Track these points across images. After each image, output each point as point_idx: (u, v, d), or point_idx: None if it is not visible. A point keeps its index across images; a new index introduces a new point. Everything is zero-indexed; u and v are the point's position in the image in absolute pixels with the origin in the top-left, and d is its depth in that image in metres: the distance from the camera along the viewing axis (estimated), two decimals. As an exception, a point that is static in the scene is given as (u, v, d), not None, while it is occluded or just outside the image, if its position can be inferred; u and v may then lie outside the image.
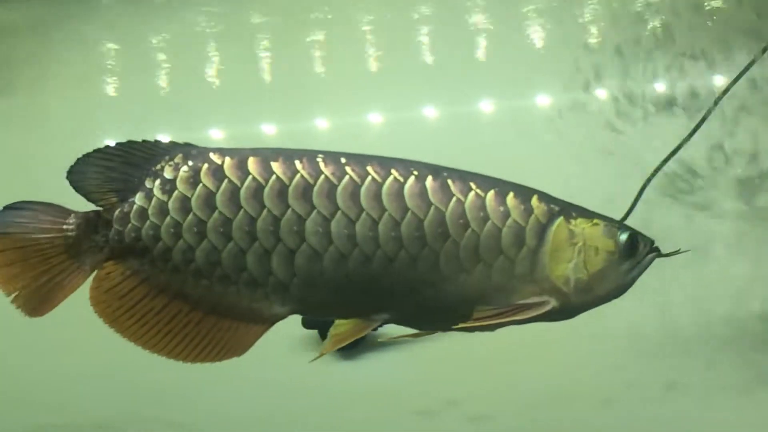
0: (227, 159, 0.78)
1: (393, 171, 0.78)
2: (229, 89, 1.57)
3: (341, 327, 0.82)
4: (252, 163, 0.77)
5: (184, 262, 0.77)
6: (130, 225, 0.78)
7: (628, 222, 1.20)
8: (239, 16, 1.53)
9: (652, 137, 1.34)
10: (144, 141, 0.81)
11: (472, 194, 0.78)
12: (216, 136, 1.55)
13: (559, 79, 1.42)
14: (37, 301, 0.78)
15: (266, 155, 0.78)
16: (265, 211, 0.76)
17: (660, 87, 1.37)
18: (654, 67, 1.38)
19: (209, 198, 0.77)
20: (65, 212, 0.79)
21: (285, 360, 1.41)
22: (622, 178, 1.32)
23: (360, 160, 0.79)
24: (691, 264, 1.27)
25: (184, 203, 0.77)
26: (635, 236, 0.82)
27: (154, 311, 0.78)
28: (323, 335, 1.37)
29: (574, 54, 1.41)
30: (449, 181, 0.78)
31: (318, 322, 1.37)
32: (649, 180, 1.26)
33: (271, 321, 0.82)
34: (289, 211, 0.76)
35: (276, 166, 0.77)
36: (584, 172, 1.36)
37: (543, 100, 1.42)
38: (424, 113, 1.47)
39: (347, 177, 0.77)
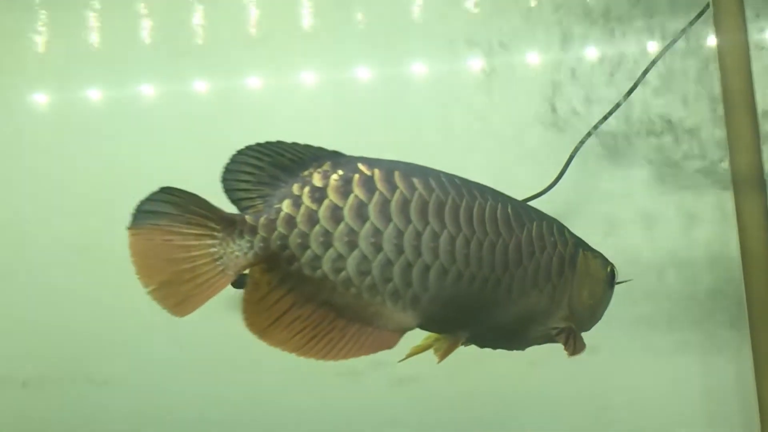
0: (376, 171, 0.79)
1: (476, 193, 0.83)
2: (161, 46, 1.47)
3: (429, 339, 0.86)
4: (397, 177, 0.80)
5: (334, 270, 0.77)
6: (276, 232, 0.77)
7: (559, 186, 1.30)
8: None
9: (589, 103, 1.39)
10: (294, 143, 0.81)
11: (535, 224, 0.86)
12: (147, 92, 1.42)
13: (494, 40, 1.41)
14: (180, 298, 0.77)
15: (406, 170, 0.81)
16: (411, 226, 0.78)
17: (593, 52, 1.40)
18: (590, 32, 1.41)
19: (361, 208, 0.78)
20: (214, 209, 0.77)
21: (212, 316, 1.38)
22: (555, 144, 1.36)
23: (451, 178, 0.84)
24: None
25: (335, 212, 0.77)
26: (614, 267, 0.94)
27: (301, 319, 0.78)
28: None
29: (509, 16, 1.41)
30: (519, 210, 0.86)
31: (246, 282, 1.34)
32: (578, 146, 1.30)
33: (402, 331, 0.83)
34: (428, 227, 0.79)
35: (417, 182, 0.80)
36: (518, 137, 1.39)
37: (476, 64, 1.41)
38: (356, 74, 1.42)
39: (464, 199, 0.81)
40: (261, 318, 0.79)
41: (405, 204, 0.78)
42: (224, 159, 1.39)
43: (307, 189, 0.78)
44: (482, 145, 1.38)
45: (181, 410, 1.38)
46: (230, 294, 1.37)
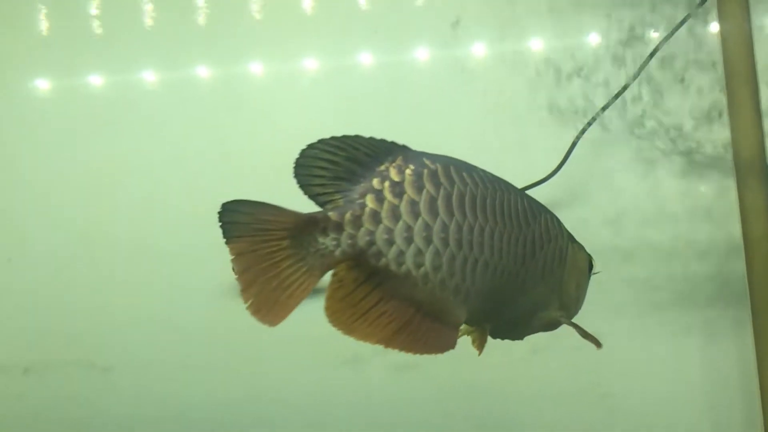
0: (438, 165, 0.79)
1: (499, 186, 0.84)
2: (163, 31, 1.47)
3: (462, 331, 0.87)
4: (453, 172, 0.80)
5: (416, 265, 0.76)
6: (363, 228, 0.75)
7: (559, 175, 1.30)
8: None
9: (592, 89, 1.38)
10: (370, 138, 0.79)
11: (543, 216, 0.87)
12: (149, 78, 1.41)
13: (494, 26, 1.41)
14: (271, 307, 0.75)
15: (456, 165, 0.81)
16: (466, 221, 0.78)
17: (594, 39, 1.40)
18: (585, 19, 1.40)
19: (432, 203, 0.77)
20: (285, 212, 0.75)
21: (213, 305, 1.39)
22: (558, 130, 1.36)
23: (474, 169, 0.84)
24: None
25: (414, 207, 0.76)
26: (592, 258, 0.96)
27: (387, 314, 0.77)
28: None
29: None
30: (531, 202, 0.87)
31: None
32: (581, 133, 1.29)
33: (457, 326, 0.82)
34: (477, 222, 0.79)
35: (466, 177, 0.81)
36: (520, 124, 1.39)
37: (478, 50, 1.41)
38: (359, 59, 1.42)
39: (497, 192, 0.82)
40: (346, 314, 0.76)
41: (461, 199, 0.79)
42: (227, 144, 1.41)
43: (387, 183, 0.76)
44: (484, 131, 1.38)
45: (183, 396, 1.38)
46: (231, 283, 1.37)
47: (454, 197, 0.78)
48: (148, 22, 1.45)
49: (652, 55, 1.30)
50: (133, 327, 1.40)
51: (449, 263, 0.77)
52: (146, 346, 1.39)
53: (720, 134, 1.34)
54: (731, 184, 1.32)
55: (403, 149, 0.80)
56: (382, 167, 0.78)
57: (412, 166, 0.78)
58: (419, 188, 0.77)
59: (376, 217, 0.76)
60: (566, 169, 1.28)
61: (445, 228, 0.77)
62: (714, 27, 1.34)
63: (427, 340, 0.79)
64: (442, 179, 0.79)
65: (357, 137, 0.79)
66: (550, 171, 1.27)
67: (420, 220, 0.76)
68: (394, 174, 0.77)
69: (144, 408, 1.38)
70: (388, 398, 1.35)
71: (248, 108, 1.44)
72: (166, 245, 1.41)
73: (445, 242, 0.77)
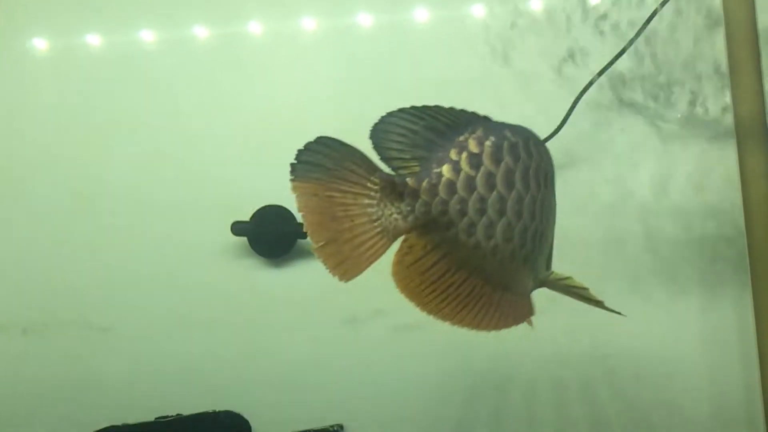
0: (519, 138, 0.79)
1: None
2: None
3: None
4: (532, 145, 0.80)
5: (486, 237, 0.76)
6: (438, 197, 0.75)
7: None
8: None
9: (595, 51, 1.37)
10: (450, 108, 0.79)
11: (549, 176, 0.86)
12: (147, 38, 1.41)
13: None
14: (341, 259, 0.74)
15: (535, 138, 0.82)
16: (540, 193, 0.79)
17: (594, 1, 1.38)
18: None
19: (509, 175, 0.77)
20: (373, 167, 0.75)
21: (212, 264, 1.39)
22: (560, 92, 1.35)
23: None
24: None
25: (490, 179, 0.76)
26: None
27: (454, 286, 0.77)
28: (251, 242, 1.36)
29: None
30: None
31: (247, 230, 1.35)
32: (581, 93, 1.29)
33: (528, 294, 0.84)
34: (543, 193, 0.80)
35: (542, 150, 0.82)
36: (522, 85, 1.38)
37: (478, 11, 1.40)
38: (358, 20, 1.41)
39: (533, 159, 0.81)
40: (414, 282, 0.76)
41: (537, 171, 0.79)
42: (226, 102, 1.40)
43: (465, 155, 0.76)
44: (486, 93, 1.37)
45: (181, 358, 1.38)
46: (230, 242, 1.37)
47: (531, 170, 0.78)
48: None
49: (650, 18, 1.28)
50: (131, 287, 1.40)
51: (521, 235, 0.78)
52: (144, 306, 1.39)
53: (721, 98, 1.34)
54: (731, 147, 1.32)
55: (484, 120, 0.80)
56: (461, 138, 0.77)
57: (492, 138, 0.78)
58: (497, 160, 0.77)
59: (451, 187, 0.75)
60: (566, 131, 1.28)
61: (520, 200, 0.77)
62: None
63: (503, 311, 0.80)
64: (522, 152, 0.78)
65: (438, 107, 0.78)
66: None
67: (495, 192, 0.76)
68: (473, 145, 0.77)
69: (142, 368, 1.39)
70: (386, 358, 1.36)
71: (247, 67, 1.43)
72: (165, 204, 1.40)
73: (519, 214, 0.77)
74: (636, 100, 1.36)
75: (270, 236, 1.36)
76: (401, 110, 0.78)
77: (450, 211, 0.75)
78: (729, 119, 1.32)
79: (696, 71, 1.35)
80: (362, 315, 1.36)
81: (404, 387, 1.35)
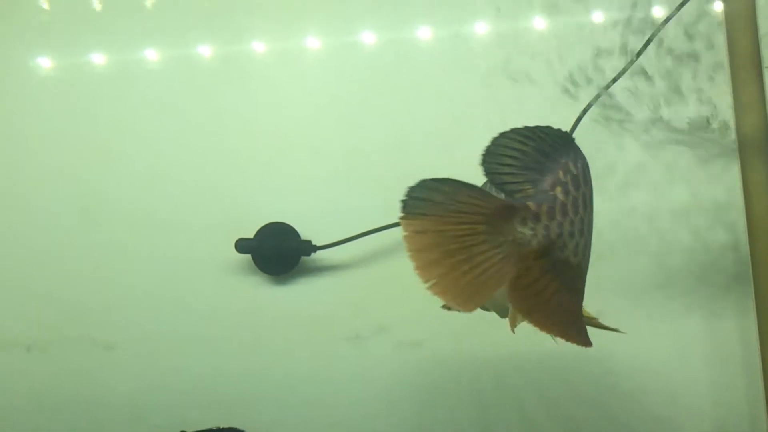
0: (583, 159, 0.79)
1: None
2: (165, 9, 1.47)
3: None
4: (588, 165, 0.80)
5: (585, 258, 0.77)
6: (555, 220, 0.73)
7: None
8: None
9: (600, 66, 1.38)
10: (549, 127, 0.77)
11: None
12: (153, 56, 1.41)
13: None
14: (462, 291, 0.71)
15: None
16: (590, 212, 0.78)
17: (598, 17, 1.39)
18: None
19: (587, 197, 0.77)
20: (487, 195, 0.72)
21: (216, 281, 1.39)
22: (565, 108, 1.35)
23: None
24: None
25: (584, 200, 0.76)
26: None
27: (563, 305, 0.76)
28: (255, 260, 1.36)
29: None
30: None
31: (251, 247, 1.35)
32: (587, 107, 1.28)
33: None
34: (590, 212, 0.79)
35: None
36: (525, 101, 1.39)
37: (481, 28, 1.40)
38: (361, 39, 1.42)
39: None
40: (529, 302, 0.75)
41: (592, 191, 0.79)
42: (229, 121, 1.41)
43: (569, 176, 0.75)
44: (489, 109, 1.38)
45: (185, 375, 1.38)
46: (234, 259, 1.38)
47: (591, 190, 0.79)
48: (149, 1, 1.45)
49: (656, 31, 1.29)
50: (135, 304, 1.40)
51: (587, 254, 0.78)
52: (148, 323, 1.39)
53: (723, 109, 1.34)
54: (734, 159, 1.32)
55: (572, 140, 0.79)
56: (564, 159, 0.76)
57: (581, 159, 0.78)
58: (587, 182, 0.77)
59: (564, 209, 0.74)
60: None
61: (590, 221, 0.78)
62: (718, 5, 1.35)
63: (588, 329, 0.80)
64: (588, 172, 0.78)
65: (541, 127, 0.77)
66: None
67: (586, 214, 0.77)
68: (572, 167, 0.76)
69: (146, 385, 1.39)
70: (389, 375, 1.36)
71: (251, 85, 1.43)
72: (169, 221, 1.41)
73: (590, 234, 0.78)
74: (636, 113, 1.36)
75: (274, 253, 1.36)
76: (512, 131, 0.76)
77: (564, 232, 0.74)
78: (732, 133, 1.33)
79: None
80: (365, 332, 1.37)
81: (408, 403, 1.35)
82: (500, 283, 0.72)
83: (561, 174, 0.75)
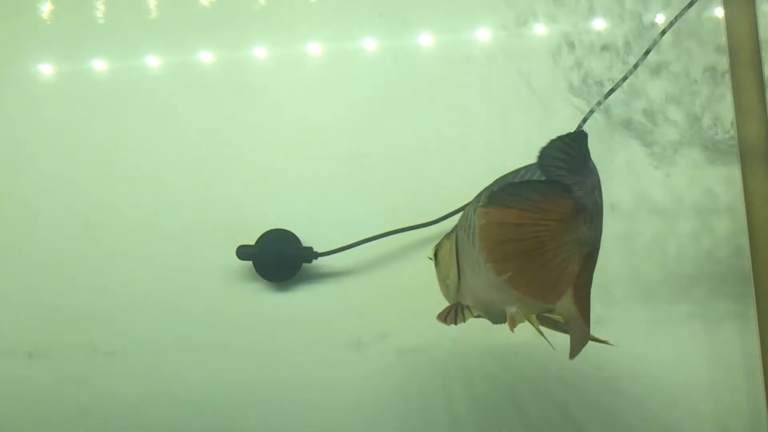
0: None
1: None
2: (167, 16, 1.46)
3: None
4: None
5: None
6: (599, 222, 0.76)
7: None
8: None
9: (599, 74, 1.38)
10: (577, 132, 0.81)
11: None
12: (154, 63, 1.42)
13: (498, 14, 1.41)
14: (538, 285, 0.74)
15: None
16: None
17: (599, 24, 1.39)
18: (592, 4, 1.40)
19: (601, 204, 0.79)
20: (564, 192, 0.73)
21: (217, 288, 1.39)
22: (567, 116, 1.36)
23: None
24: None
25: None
26: None
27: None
28: (256, 266, 1.36)
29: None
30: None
31: (252, 254, 1.35)
32: (587, 116, 1.30)
33: None
34: None
35: None
36: (528, 109, 1.38)
37: (482, 35, 1.40)
38: (363, 45, 1.42)
39: None
40: (586, 303, 0.76)
41: None
42: (230, 128, 1.41)
43: (598, 181, 0.77)
44: (491, 116, 1.38)
45: (186, 382, 1.38)
46: (235, 266, 1.38)
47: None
48: (152, 6, 1.45)
49: (658, 39, 1.29)
50: (136, 311, 1.40)
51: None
52: (150, 330, 1.39)
53: (724, 117, 1.34)
54: (735, 168, 1.32)
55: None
56: (592, 164, 0.77)
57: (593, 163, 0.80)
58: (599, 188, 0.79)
59: (600, 212, 0.76)
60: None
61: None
62: (719, 11, 1.35)
63: None
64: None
65: (575, 133, 0.77)
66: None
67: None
68: (596, 172, 0.78)
69: (148, 392, 1.39)
70: (391, 381, 1.36)
71: (252, 92, 1.43)
72: (170, 228, 1.41)
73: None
74: (635, 121, 1.36)
75: (275, 260, 1.36)
76: (567, 135, 0.76)
77: (600, 235, 0.77)
78: (733, 140, 1.33)
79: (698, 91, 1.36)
80: (367, 338, 1.36)
81: (409, 409, 1.35)
82: (571, 281, 0.74)
83: (595, 179, 0.76)
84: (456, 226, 0.99)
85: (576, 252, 0.73)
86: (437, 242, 1.04)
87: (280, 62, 1.44)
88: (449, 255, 0.98)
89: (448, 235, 1.01)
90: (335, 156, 1.40)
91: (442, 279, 1.02)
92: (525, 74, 1.39)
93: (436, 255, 1.03)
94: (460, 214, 1.24)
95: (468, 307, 0.93)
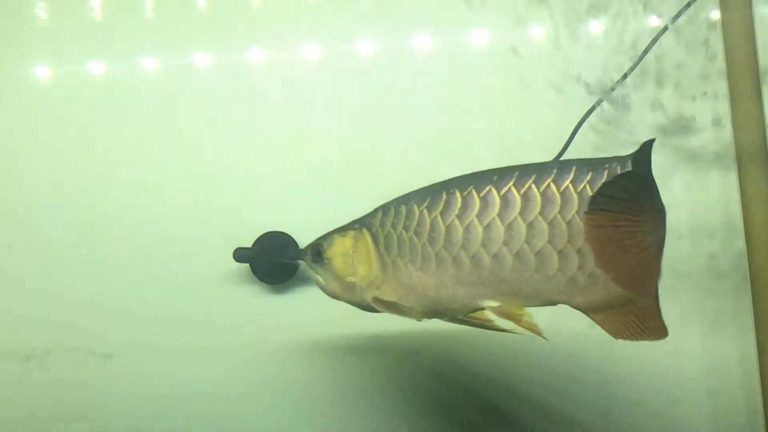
0: None
1: None
2: (164, 19, 1.48)
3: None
4: None
5: None
6: None
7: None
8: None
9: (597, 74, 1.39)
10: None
11: None
12: (150, 65, 1.41)
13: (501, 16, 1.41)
14: (637, 280, 0.81)
15: None
16: None
17: (599, 26, 1.39)
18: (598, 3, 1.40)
19: None
20: (655, 197, 0.82)
21: (214, 291, 1.39)
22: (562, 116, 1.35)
23: None
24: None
25: None
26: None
27: None
28: (254, 269, 1.36)
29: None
30: None
31: (249, 256, 1.35)
32: (586, 115, 1.28)
33: None
34: None
35: None
36: (524, 109, 1.39)
37: (483, 37, 1.41)
38: (359, 48, 1.42)
39: None
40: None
41: None
42: (227, 131, 1.41)
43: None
44: (488, 119, 1.38)
45: (183, 384, 1.38)
46: (232, 268, 1.38)
47: None
48: (148, 8, 1.45)
49: (657, 38, 1.29)
50: (133, 314, 1.40)
51: None
52: (147, 332, 1.39)
53: (721, 121, 1.35)
54: (732, 171, 1.32)
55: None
56: (607, 165, 0.86)
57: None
58: None
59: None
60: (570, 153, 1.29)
61: None
62: (715, 14, 1.35)
63: None
64: None
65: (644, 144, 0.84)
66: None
67: None
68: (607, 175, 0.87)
69: (144, 395, 1.39)
70: (388, 384, 1.36)
71: (249, 95, 1.43)
72: (167, 231, 1.41)
73: None
74: (634, 121, 1.37)
75: (272, 263, 1.36)
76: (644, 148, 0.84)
77: None
78: (730, 144, 1.33)
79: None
80: (363, 341, 1.37)
81: (406, 413, 1.35)
82: (659, 275, 0.82)
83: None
84: (368, 224, 1.01)
85: (660, 248, 0.81)
86: (308, 244, 1.07)
87: (277, 66, 1.44)
88: (356, 252, 1.00)
89: (342, 233, 1.02)
90: (332, 159, 1.40)
91: (337, 277, 1.03)
92: (523, 75, 1.39)
93: (319, 253, 1.04)
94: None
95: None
